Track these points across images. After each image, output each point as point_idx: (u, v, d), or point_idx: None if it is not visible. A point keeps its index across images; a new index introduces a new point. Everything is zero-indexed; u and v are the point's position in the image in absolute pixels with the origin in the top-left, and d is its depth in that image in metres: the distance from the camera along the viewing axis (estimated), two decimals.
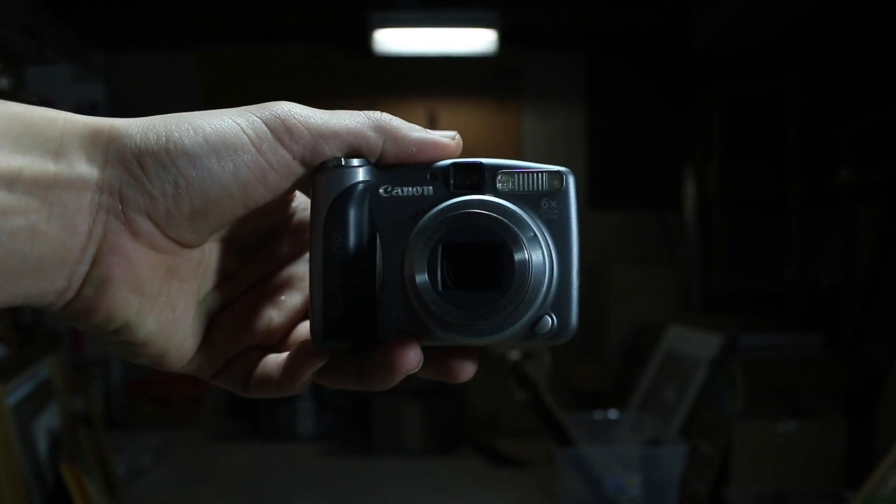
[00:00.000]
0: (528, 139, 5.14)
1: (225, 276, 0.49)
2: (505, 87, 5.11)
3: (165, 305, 0.44)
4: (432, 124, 4.97)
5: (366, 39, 4.23)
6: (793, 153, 4.28)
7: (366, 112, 0.46)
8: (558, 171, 0.46)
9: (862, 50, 4.03)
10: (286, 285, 0.51)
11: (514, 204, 0.45)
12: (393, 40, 4.24)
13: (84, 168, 0.41)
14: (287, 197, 0.47)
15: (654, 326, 4.20)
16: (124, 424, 4.43)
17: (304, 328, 0.50)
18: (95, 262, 0.41)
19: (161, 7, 4.50)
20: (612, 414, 3.60)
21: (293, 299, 0.51)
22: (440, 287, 0.44)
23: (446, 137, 0.47)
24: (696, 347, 3.60)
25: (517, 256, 0.44)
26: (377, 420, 4.31)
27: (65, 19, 4.46)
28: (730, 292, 4.48)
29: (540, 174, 0.46)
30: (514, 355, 3.10)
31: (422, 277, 0.44)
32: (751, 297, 4.57)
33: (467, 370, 0.48)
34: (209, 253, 0.47)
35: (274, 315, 0.50)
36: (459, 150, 0.48)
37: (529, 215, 0.45)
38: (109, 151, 0.41)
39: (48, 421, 2.91)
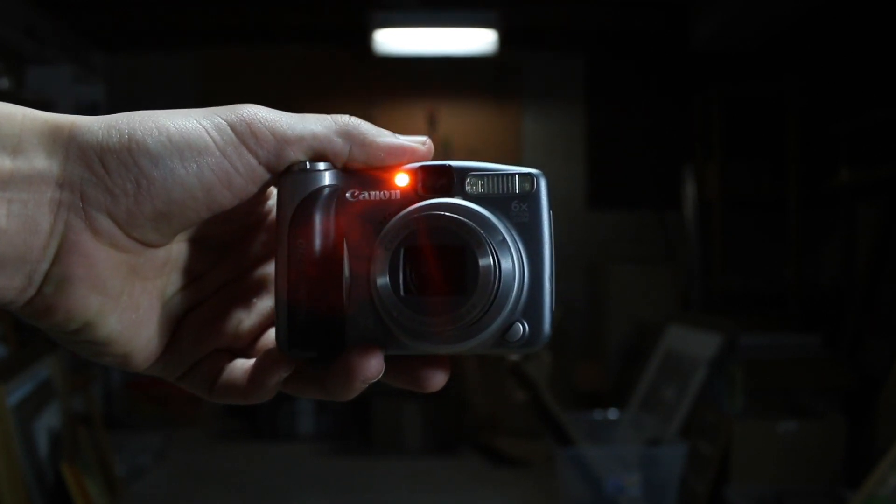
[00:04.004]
0: (528, 139, 5.14)
1: (194, 276, 0.47)
2: (505, 87, 5.11)
3: (128, 305, 0.43)
4: (432, 125, 4.97)
5: (366, 39, 4.23)
6: (792, 153, 4.29)
7: (334, 116, 0.45)
8: (529, 174, 0.44)
9: (861, 50, 4.03)
10: (258, 286, 0.50)
11: (483, 207, 0.44)
12: (393, 40, 4.24)
13: (43, 164, 0.40)
14: (260, 196, 0.46)
15: (653, 326, 4.20)
16: (124, 424, 4.43)
17: (273, 333, 0.48)
18: (56, 260, 0.40)
19: (161, 7, 4.51)
20: (612, 414, 3.60)
21: (265, 301, 0.50)
22: (402, 292, 0.43)
23: (416, 143, 0.46)
24: (695, 347, 3.60)
25: (481, 261, 0.42)
26: (377, 420, 4.31)
27: (65, 19, 4.47)
28: (729, 292, 4.48)
29: (510, 176, 0.44)
30: (514, 355, 3.10)
31: (383, 281, 0.43)
32: (750, 296, 4.57)
33: (438, 379, 0.46)
34: (176, 252, 0.46)
35: (244, 318, 0.49)
36: (431, 156, 0.46)
37: (499, 219, 0.43)
38: (70, 148, 0.41)
39: (49, 420, 2.91)
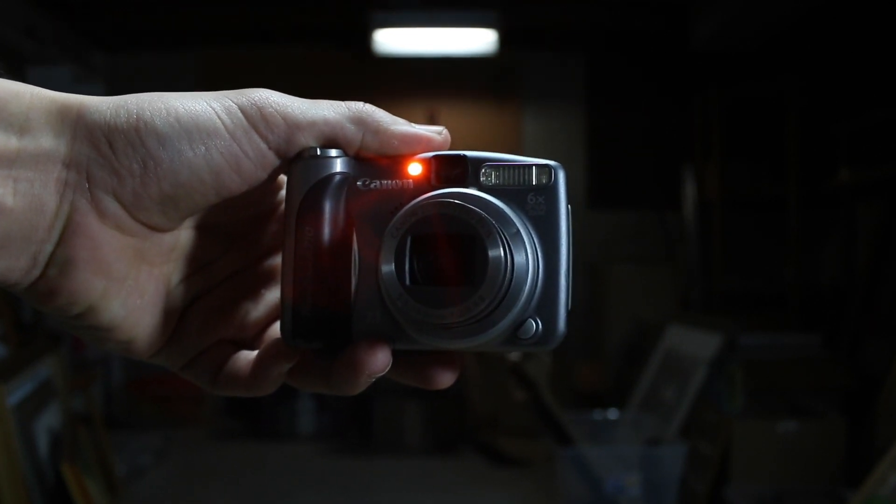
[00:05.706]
0: (528, 139, 5.14)
1: (202, 264, 0.46)
2: (505, 87, 5.11)
3: (133, 290, 0.42)
4: (432, 124, 4.97)
5: (366, 39, 4.23)
6: (792, 153, 4.29)
7: (347, 103, 0.44)
8: (547, 165, 0.43)
9: (860, 50, 4.03)
10: (267, 277, 0.48)
11: (497, 198, 0.42)
12: (393, 40, 4.24)
13: (50, 143, 0.39)
14: (272, 184, 0.45)
15: (653, 326, 4.21)
16: (125, 424, 4.43)
17: (279, 325, 0.47)
18: (61, 241, 0.40)
19: (161, 7, 4.51)
20: (612, 414, 3.60)
21: (272, 293, 0.48)
22: (407, 281, 0.41)
23: (432, 132, 0.45)
24: (695, 347, 3.60)
25: (491, 252, 0.40)
26: (377, 420, 4.31)
27: (65, 19, 4.47)
28: (729, 292, 4.48)
29: (527, 168, 0.43)
30: (514, 355, 3.09)
31: (388, 269, 0.41)
32: (750, 296, 4.57)
33: (446, 377, 0.45)
34: (185, 239, 0.45)
35: (250, 308, 0.48)
36: (447, 146, 0.45)
37: (514, 211, 0.42)
38: (78, 127, 0.40)
39: (49, 420, 2.91)
